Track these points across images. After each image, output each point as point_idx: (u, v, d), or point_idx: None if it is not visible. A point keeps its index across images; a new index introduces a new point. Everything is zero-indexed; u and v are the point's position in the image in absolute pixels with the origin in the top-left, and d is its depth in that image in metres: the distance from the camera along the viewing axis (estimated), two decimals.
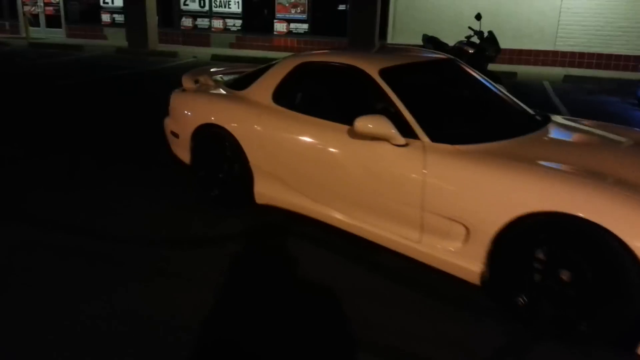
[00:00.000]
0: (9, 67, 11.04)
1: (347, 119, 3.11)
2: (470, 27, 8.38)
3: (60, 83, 9.13)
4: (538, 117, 3.41)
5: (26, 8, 17.25)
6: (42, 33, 17.36)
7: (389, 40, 14.06)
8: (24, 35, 16.58)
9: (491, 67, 8.33)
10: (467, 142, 2.81)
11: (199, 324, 2.50)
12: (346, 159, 3.08)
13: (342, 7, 14.37)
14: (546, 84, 10.42)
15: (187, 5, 16.02)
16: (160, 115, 4.63)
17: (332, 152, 3.15)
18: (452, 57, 3.84)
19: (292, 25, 15.08)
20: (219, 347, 2.37)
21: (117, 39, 16.08)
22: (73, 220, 3.61)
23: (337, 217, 3.24)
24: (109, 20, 17.01)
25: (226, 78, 4.41)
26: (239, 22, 15.59)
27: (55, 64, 11.76)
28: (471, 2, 12.98)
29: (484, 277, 2.64)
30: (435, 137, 2.83)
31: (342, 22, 14.09)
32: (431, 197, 2.72)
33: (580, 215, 2.24)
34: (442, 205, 2.69)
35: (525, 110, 3.53)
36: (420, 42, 9.00)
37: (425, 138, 2.84)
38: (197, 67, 4.86)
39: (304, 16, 14.90)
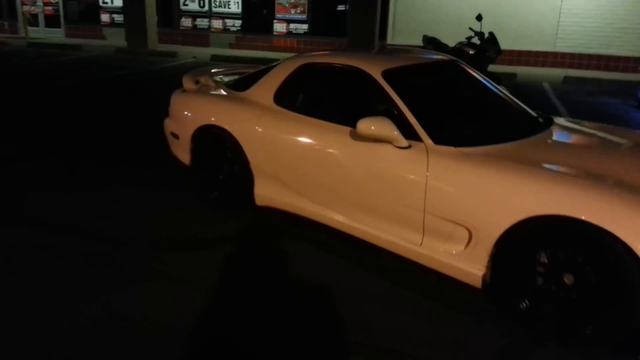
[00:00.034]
0: (7, 67, 11.02)
1: (349, 120, 3.09)
2: (470, 28, 8.37)
3: (59, 83, 9.10)
4: (541, 120, 3.40)
5: (25, 8, 17.21)
6: (41, 33, 17.32)
7: (389, 40, 14.06)
8: (22, 35, 16.54)
9: (491, 68, 8.33)
10: (470, 145, 2.79)
11: (198, 326, 2.48)
12: (348, 161, 3.06)
13: (342, 7, 14.36)
14: (546, 85, 10.42)
15: (187, 5, 16.00)
16: (159, 115, 4.61)
17: (333, 153, 3.13)
18: (454, 58, 3.83)
19: (292, 26, 15.07)
20: (218, 349, 2.35)
21: (116, 39, 16.05)
22: (73, 222, 3.59)
23: (338, 219, 3.22)
24: (108, 20, 16.99)
25: (227, 79, 4.39)
26: (238, 23, 15.58)
27: (54, 64, 11.73)
28: (471, 3, 12.98)
29: (485, 280, 2.63)
30: (438, 140, 2.82)
31: (342, 22, 14.08)
32: (433, 199, 2.71)
33: (584, 218, 2.23)
34: (445, 208, 2.68)
35: (528, 112, 3.52)
36: (420, 43, 8.99)
37: (428, 140, 2.82)
38: (198, 68, 4.85)
39: (304, 16, 14.89)
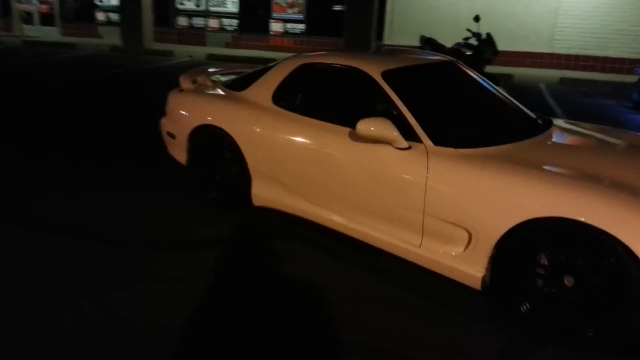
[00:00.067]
0: (2, 66, 10.95)
1: (348, 121, 3.08)
2: (468, 29, 8.38)
3: (55, 82, 9.05)
4: (540, 121, 3.40)
5: (20, 6, 17.10)
6: (36, 31, 17.22)
7: (386, 41, 14.06)
8: (17, 33, 16.44)
9: (487, 68, 8.34)
10: (470, 146, 2.79)
11: (198, 327, 2.47)
12: (347, 162, 3.05)
13: (338, 7, 14.35)
14: (542, 86, 10.45)
15: (183, 4, 15.95)
16: (156, 115, 4.58)
17: (332, 154, 3.12)
18: (453, 59, 3.82)
19: (289, 25, 15.05)
20: (217, 349, 2.34)
21: (112, 38, 15.99)
22: (72, 222, 3.57)
23: (337, 220, 3.21)
24: (103, 18, 16.91)
25: (224, 78, 4.37)
26: (235, 22, 15.55)
27: (50, 62, 11.67)
28: (468, 4, 13.00)
29: (485, 281, 2.62)
30: (438, 141, 2.81)
31: (338, 22, 14.07)
32: (433, 201, 2.70)
33: (584, 220, 2.23)
34: (445, 210, 2.67)
35: (527, 113, 3.52)
36: (416, 43, 9.00)
37: (428, 141, 2.81)
38: (195, 67, 4.82)
39: (301, 16, 14.87)
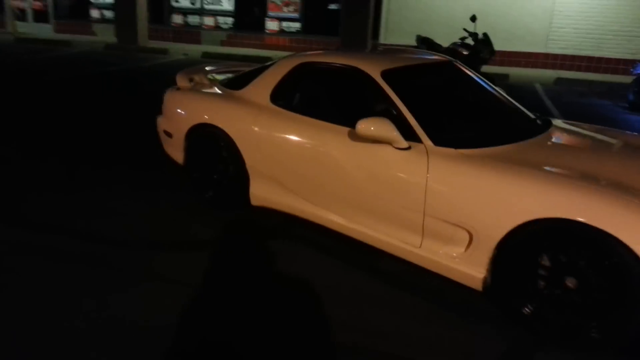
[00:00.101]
0: None
1: (347, 120, 3.06)
2: (464, 29, 8.39)
3: (48, 79, 8.97)
4: (539, 122, 3.39)
5: (13, 2, 16.96)
6: (29, 28, 17.09)
7: (382, 40, 14.06)
8: (10, 30, 16.30)
9: (483, 68, 8.35)
10: (471, 146, 2.77)
11: (197, 328, 2.45)
12: (346, 162, 3.03)
13: (334, 6, 14.33)
14: (538, 86, 10.48)
15: (178, 2, 15.88)
16: (152, 113, 4.54)
17: (331, 154, 3.10)
18: (452, 59, 3.81)
19: (284, 24, 15.02)
20: (216, 350, 2.32)
21: (106, 35, 15.90)
22: (72, 222, 3.52)
23: (336, 220, 3.19)
24: (98, 15, 16.81)
25: (221, 77, 4.33)
26: (230, 20, 15.49)
27: (43, 59, 11.57)
28: (463, 4, 13.01)
29: (486, 282, 2.61)
30: (438, 141, 2.79)
31: (334, 21, 14.05)
32: (433, 201, 2.68)
33: (585, 221, 2.22)
34: (445, 210, 2.66)
35: (526, 114, 3.51)
36: (412, 43, 9.00)
37: (428, 141, 2.80)
38: (191, 66, 4.78)
39: (296, 15, 14.84)
